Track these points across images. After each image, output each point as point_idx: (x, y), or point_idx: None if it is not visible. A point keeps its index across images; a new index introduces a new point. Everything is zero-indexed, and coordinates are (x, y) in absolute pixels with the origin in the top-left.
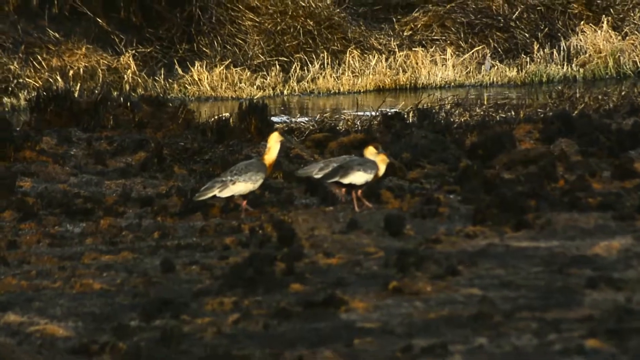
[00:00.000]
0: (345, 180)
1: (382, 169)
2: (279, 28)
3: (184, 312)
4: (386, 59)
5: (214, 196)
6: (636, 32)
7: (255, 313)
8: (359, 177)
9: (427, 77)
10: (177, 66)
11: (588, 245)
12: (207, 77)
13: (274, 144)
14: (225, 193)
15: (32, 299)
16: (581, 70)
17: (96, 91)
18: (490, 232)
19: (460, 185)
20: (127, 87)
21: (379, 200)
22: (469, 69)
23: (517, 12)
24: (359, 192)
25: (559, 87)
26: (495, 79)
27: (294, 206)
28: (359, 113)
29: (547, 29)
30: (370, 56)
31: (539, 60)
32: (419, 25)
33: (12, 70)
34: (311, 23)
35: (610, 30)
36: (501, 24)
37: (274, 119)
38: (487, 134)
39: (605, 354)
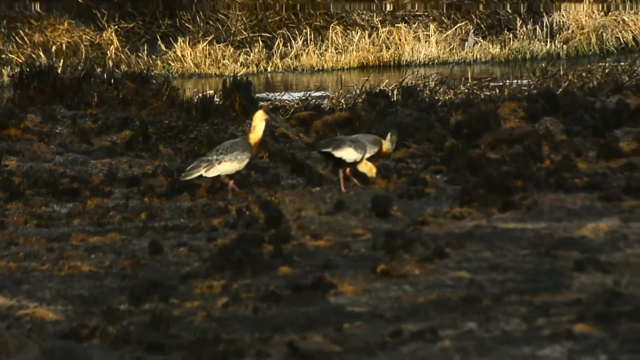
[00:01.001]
0: (337, 154)
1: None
2: (261, 2)
3: (173, 295)
4: (369, 35)
5: (200, 176)
6: (619, 8)
7: (244, 296)
8: (349, 154)
9: (410, 54)
10: (160, 42)
11: (575, 227)
12: (191, 54)
13: (259, 123)
14: (212, 173)
15: (20, 281)
16: (564, 47)
17: (79, 67)
18: (477, 213)
19: (446, 165)
20: (111, 63)
21: (365, 181)
22: (452, 46)
23: None
24: (347, 170)
25: (543, 65)
26: (478, 56)
27: (280, 186)
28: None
29: (529, 4)
30: (353, 32)
31: (522, 36)
32: (402, 1)
33: None
34: None
35: (592, 6)
36: (484, 0)
37: (259, 96)
38: (471, 113)
39: (594, 338)
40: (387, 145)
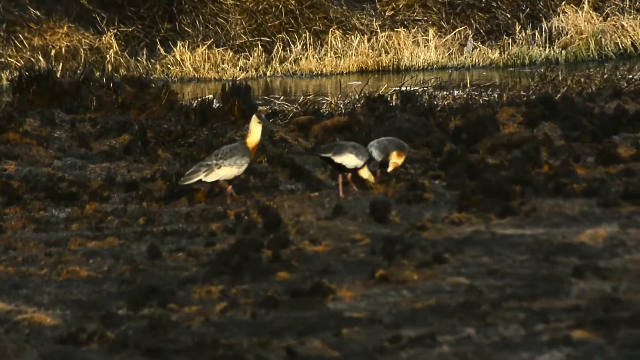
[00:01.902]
0: (337, 159)
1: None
2: (260, 7)
3: (172, 300)
4: (368, 40)
5: (200, 180)
6: (617, 13)
7: (242, 301)
8: (350, 160)
9: (409, 59)
10: (159, 46)
11: (574, 233)
12: (190, 58)
13: (254, 127)
14: (211, 177)
15: (19, 285)
16: (563, 52)
17: (78, 71)
18: (476, 218)
19: (445, 170)
20: (110, 67)
21: (363, 186)
22: (451, 51)
23: None
24: (349, 176)
25: (542, 70)
26: (477, 61)
27: (279, 191)
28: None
29: (528, 9)
30: (353, 37)
31: (521, 41)
32: (401, 5)
33: None
34: (293, 2)
35: (591, 11)
36: (483, 4)
37: (258, 101)
38: (470, 118)
39: (592, 344)
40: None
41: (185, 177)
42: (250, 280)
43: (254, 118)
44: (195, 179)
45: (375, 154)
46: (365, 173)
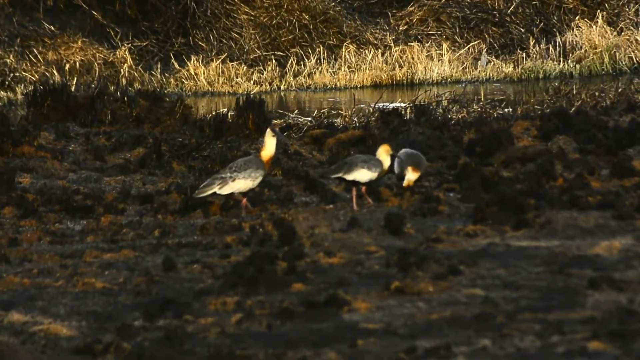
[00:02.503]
0: (349, 177)
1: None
2: (274, 22)
3: (187, 311)
4: (382, 54)
5: (214, 193)
6: (631, 28)
7: (258, 313)
8: (363, 175)
9: (423, 73)
10: (173, 60)
11: (589, 245)
12: (204, 72)
13: (269, 140)
14: (225, 190)
15: (34, 297)
16: (577, 66)
17: (93, 85)
18: (491, 231)
19: (459, 183)
20: (124, 81)
21: (378, 198)
22: (465, 65)
23: (512, 7)
24: (363, 189)
25: (556, 84)
26: (491, 75)
27: (293, 204)
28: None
29: (542, 24)
30: (367, 51)
31: (535, 55)
32: (415, 20)
33: (9, 64)
34: (307, 17)
35: (605, 26)
36: (497, 19)
37: (272, 115)
38: (484, 131)
39: (608, 356)
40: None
41: (199, 189)
42: (265, 292)
43: (268, 131)
44: (210, 192)
45: (395, 166)
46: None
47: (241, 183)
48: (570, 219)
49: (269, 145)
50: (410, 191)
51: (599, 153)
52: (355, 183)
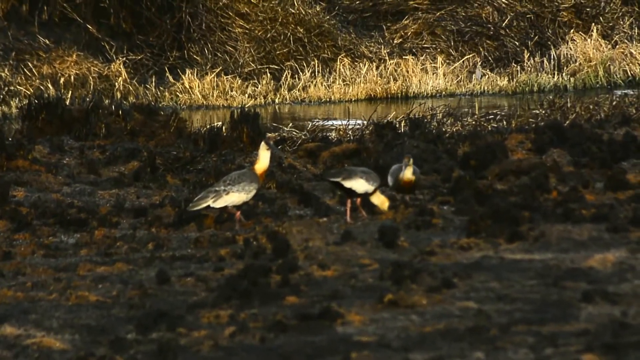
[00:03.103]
0: (347, 184)
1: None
2: (269, 35)
3: (180, 324)
4: (377, 67)
5: (208, 206)
6: (626, 41)
7: (251, 326)
8: (360, 185)
9: (418, 86)
10: (168, 74)
11: (582, 258)
12: (198, 85)
13: (263, 153)
14: (219, 203)
15: (28, 310)
16: (572, 79)
17: (87, 99)
18: (484, 244)
19: (454, 196)
20: (119, 94)
21: (372, 211)
22: (459, 78)
23: (506, 20)
24: (358, 201)
25: (550, 97)
26: (486, 88)
27: (287, 217)
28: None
29: (537, 37)
30: (361, 64)
31: (529, 69)
32: (409, 33)
33: (3, 77)
34: (301, 30)
35: (600, 39)
36: (491, 32)
37: (266, 128)
38: (479, 144)
39: None
40: (407, 174)
41: (193, 202)
42: (259, 305)
43: (263, 145)
44: (204, 205)
45: (388, 179)
46: (377, 199)
47: (235, 196)
48: (564, 231)
49: (263, 159)
50: (404, 204)
51: (593, 166)
52: (350, 192)
